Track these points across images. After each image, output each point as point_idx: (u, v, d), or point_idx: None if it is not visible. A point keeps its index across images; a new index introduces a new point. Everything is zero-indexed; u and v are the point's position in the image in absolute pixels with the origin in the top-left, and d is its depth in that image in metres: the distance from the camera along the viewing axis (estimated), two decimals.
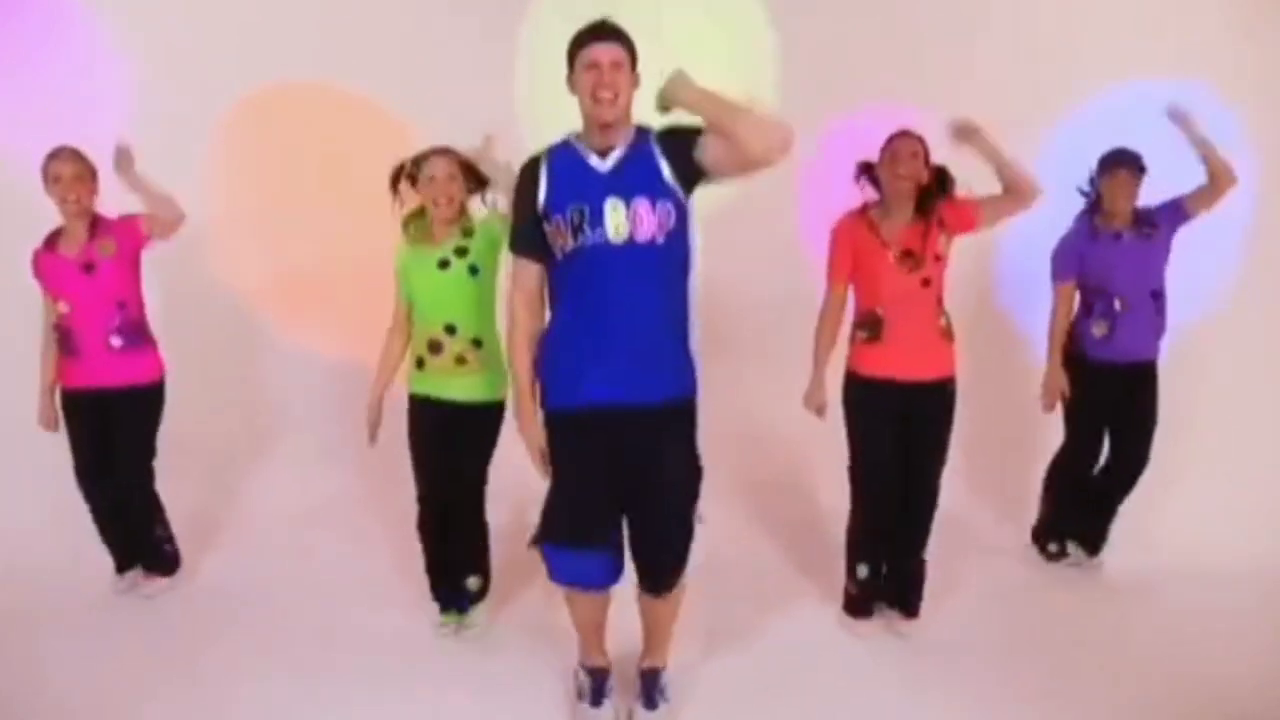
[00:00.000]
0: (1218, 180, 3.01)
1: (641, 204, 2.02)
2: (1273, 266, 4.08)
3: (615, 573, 2.25)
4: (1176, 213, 3.13)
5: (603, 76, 1.99)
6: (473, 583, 2.86)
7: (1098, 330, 3.13)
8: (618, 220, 2.01)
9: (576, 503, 2.17)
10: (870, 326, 2.76)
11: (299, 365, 4.12)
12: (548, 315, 2.23)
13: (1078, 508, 3.32)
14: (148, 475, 3.05)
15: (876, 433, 2.79)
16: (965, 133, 2.67)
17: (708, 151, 2.03)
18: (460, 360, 2.65)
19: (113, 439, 2.96)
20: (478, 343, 2.67)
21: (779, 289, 4.12)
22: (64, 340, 2.90)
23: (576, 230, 2.02)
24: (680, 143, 2.06)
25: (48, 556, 3.15)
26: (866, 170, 2.80)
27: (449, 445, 2.73)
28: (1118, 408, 3.22)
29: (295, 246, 4.00)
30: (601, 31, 2.03)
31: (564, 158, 2.09)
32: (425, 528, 2.84)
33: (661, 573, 2.24)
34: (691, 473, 2.20)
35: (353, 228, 3.87)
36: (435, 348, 2.65)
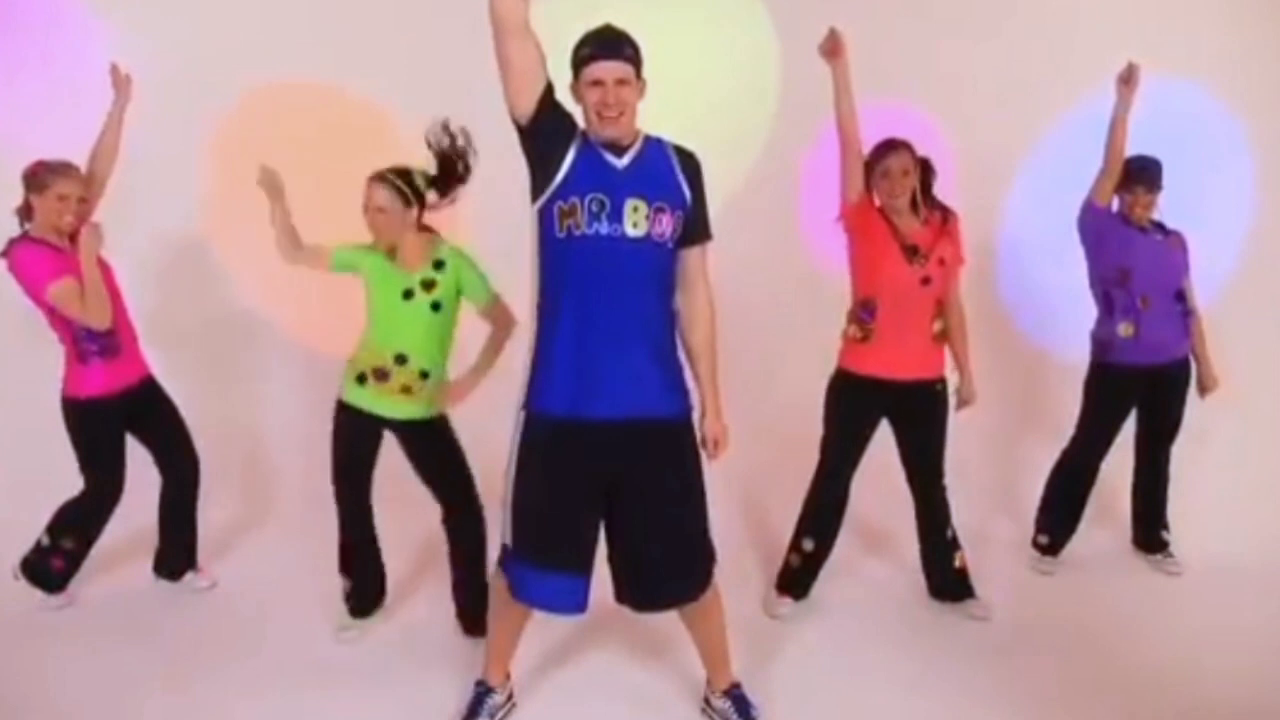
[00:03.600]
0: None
1: (659, 206, 2.02)
2: (1273, 267, 4.08)
3: (585, 601, 2.14)
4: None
5: (607, 95, 1.96)
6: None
7: (1124, 331, 3.10)
8: (637, 218, 1.99)
9: (559, 520, 2.08)
10: (862, 320, 2.78)
11: (300, 365, 4.10)
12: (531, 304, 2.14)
13: (1078, 505, 3.31)
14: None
15: (851, 431, 2.86)
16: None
17: (687, 250, 2.12)
18: (405, 390, 2.58)
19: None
20: (425, 374, 2.59)
21: (781, 285, 4.12)
22: (107, 346, 2.82)
23: (593, 218, 1.98)
24: (694, 178, 2.09)
25: None
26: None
27: (373, 462, 2.68)
28: (1142, 410, 3.23)
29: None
30: (606, 46, 1.98)
31: (586, 145, 2.03)
32: (347, 556, 2.78)
33: (668, 592, 2.19)
34: (701, 491, 2.17)
35: (354, 228, 3.87)
36: (381, 375, 2.57)
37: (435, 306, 2.57)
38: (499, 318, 2.66)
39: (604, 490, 2.09)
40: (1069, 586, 3.21)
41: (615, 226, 1.98)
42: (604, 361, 2.01)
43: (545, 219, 2.02)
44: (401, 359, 2.56)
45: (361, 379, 2.60)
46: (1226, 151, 4.05)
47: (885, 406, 2.85)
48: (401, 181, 2.55)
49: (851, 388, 2.83)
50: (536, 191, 2.02)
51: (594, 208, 1.97)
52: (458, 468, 2.71)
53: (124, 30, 3.65)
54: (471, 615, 2.73)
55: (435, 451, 2.69)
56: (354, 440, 2.66)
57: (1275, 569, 3.27)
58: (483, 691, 2.34)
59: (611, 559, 2.18)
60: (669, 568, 2.15)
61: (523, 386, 2.11)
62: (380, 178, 2.55)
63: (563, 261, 2.02)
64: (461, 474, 2.71)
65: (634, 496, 2.09)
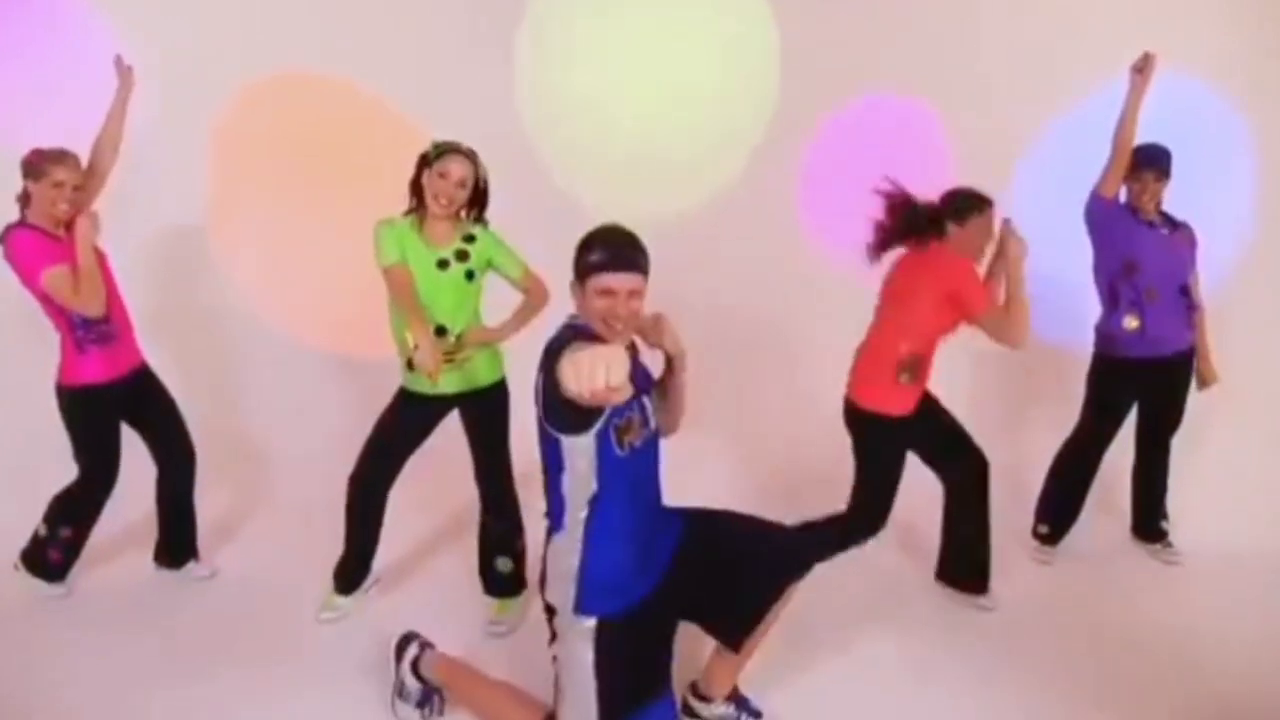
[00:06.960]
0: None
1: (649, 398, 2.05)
2: (1274, 263, 4.10)
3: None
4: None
5: (617, 307, 1.86)
6: (503, 564, 2.85)
7: (1129, 324, 3.10)
8: (650, 410, 2.04)
9: (652, 679, 2.09)
10: (914, 371, 2.76)
11: (300, 363, 4.11)
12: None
13: (1078, 496, 3.32)
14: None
15: (899, 467, 2.84)
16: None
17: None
18: (449, 358, 2.63)
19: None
20: (461, 337, 2.67)
21: (780, 284, 4.12)
22: (103, 335, 2.83)
23: (643, 425, 1.99)
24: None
25: None
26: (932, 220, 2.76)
27: (420, 444, 2.75)
28: (1144, 401, 3.24)
29: (296, 243, 4.00)
30: (619, 258, 1.87)
31: None
32: (354, 509, 2.81)
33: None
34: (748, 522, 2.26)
35: (357, 221, 3.88)
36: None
37: (469, 275, 2.65)
38: (532, 289, 2.74)
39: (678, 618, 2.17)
40: (1068, 576, 3.22)
41: (648, 428, 2.01)
42: (653, 538, 2.07)
43: (602, 443, 1.89)
44: (441, 330, 2.62)
45: (410, 365, 2.67)
46: (1229, 148, 4.06)
47: (913, 430, 2.85)
48: (480, 166, 2.63)
49: (898, 429, 2.80)
50: (579, 427, 1.87)
51: (639, 415, 1.96)
52: (502, 442, 2.79)
53: (123, 21, 3.66)
54: (490, 576, 2.88)
55: (493, 418, 2.76)
56: (411, 423, 2.75)
57: (1273, 559, 3.28)
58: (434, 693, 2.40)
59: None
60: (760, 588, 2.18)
61: (569, 597, 2.00)
62: (469, 154, 2.61)
63: (621, 473, 1.94)
64: (502, 450, 2.79)
65: (705, 586, 2.13)
